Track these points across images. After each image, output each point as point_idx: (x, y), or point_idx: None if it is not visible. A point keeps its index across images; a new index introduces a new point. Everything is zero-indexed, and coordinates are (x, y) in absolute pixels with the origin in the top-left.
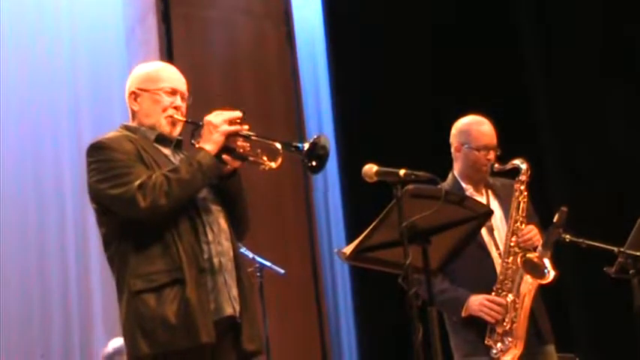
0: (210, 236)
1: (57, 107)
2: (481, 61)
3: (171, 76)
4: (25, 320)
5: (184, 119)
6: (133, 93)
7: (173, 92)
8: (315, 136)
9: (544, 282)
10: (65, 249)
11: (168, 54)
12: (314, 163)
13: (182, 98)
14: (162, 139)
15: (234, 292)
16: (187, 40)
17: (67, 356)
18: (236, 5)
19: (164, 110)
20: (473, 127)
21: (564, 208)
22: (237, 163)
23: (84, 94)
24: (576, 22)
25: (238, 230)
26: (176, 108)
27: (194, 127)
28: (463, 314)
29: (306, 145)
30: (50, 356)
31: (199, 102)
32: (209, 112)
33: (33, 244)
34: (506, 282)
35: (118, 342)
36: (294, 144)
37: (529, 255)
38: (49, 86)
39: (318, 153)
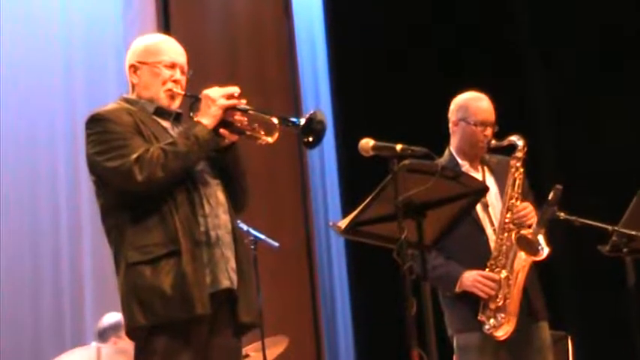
0: (207, 209)
1: (51, 79)
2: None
3: (171, 49)
4: (17, 297)
5: (183, 93)
6: (132, 66)
7: (172, 65)
8: (312, 111)
9: (538, 259)
10: (58, 224)
11: (165, 26)
12: (310, 139)
13: (182, 72)
14: (161, 112)
15: (233, 263)
16: (184, 13)
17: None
18: None
19: (163, 83)
20: (471, 103)
21: (559, 186)
22: (234, 137)
23: (79, 66)
24: None
25: (237, 203)
26: (175, 81)
27: (193, 100)
28: (457, 290)
29: (303, 120)
30: (40, 333)
31: (196, 75)
32: (206, 85)
33: (25, 219)
34: (500, 258)
35: (112, 317)
36: (291, 119)
37: (523, 232)
38: (43, 57)
39: (314, 128)
